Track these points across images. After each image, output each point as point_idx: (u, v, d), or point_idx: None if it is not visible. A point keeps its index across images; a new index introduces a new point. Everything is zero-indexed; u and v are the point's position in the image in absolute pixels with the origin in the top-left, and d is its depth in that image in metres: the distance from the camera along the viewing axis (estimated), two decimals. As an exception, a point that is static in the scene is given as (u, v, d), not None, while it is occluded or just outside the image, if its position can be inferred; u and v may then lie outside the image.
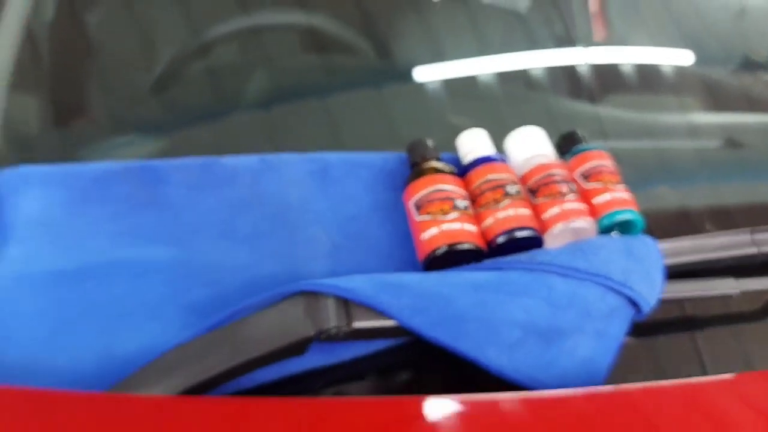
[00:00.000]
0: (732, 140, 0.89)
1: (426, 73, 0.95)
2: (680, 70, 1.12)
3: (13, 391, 0.41)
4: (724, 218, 0.65)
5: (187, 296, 0.49)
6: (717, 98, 1.06)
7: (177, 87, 0.92)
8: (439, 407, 0.42)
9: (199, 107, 0.90)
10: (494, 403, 0.43)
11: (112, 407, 0.40)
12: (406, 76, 0.95)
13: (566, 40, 1.51)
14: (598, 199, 0.55)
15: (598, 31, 1.90)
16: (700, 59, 1.09)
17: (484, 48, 1.07)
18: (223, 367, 0.44)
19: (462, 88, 0.97)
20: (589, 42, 1.60)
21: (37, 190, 0.52)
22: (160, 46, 0.93)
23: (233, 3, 1.07)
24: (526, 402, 0.44)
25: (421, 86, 0.96)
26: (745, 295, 0.57)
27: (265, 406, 0.41)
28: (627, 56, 1.21)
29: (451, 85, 0.96)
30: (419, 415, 0.41)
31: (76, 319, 0.47)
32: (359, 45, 1.05)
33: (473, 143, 0.57)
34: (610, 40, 1.64)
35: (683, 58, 1.12)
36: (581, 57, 1.22)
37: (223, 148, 0.61)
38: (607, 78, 1.13)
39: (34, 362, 0.46)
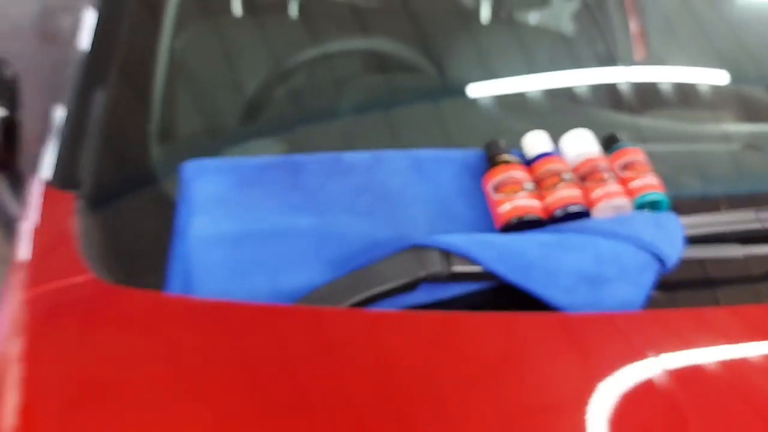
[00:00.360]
0: (751, 144, 1.05)
1: (484, 89, 1.13)
2: (715, 88, 1.27)
3: (228, 304, 0.59)
4: (737, 203, 0.81)
5: (325, 253, 0.67)
6: (748, 111, 1.21)
7: (267, 106, 1.12)
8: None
9: (287, 121, 1.09)
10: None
11: (292, 316, 0.58)
12: (464, 92, 1.12)
13: (608, 59, 1.71)
14: (632, 184, 0.72)
15: (639, 51, 2.09)
16: (736, 78, 1.25)
17: (534, 66, 1.25)
18: (360, 297, 0.61)
19: (518, 102, 1.14)
20: (629, 61, 1.79)
21: (212, 176, 0.71)
22: (248, 73, 1.13)
23: (310, 34, 1.27)
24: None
25: (477, 101, 1.14)
26: (754, 261, 0.73)
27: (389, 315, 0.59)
28: (665, 75, 1.38)
29: (508, 99, 1.13)
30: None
31: (251, 267, 0.65)
32: (422, 65, 1.24)
33: (536, 141, 0.74)
34: (650, 60, 1.83)
35: (718, 76, 1.28)
36: (623, 75, 1.40)
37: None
38: (646, 94, 1.29)
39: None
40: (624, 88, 1.33)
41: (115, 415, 0.53)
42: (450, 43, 1.30)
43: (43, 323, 0.59)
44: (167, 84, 0.92)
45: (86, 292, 0.61)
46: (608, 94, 1.30)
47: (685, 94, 1.32)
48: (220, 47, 1.17)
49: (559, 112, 1.15)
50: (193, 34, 1.13)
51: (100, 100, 0.83)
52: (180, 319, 0.60)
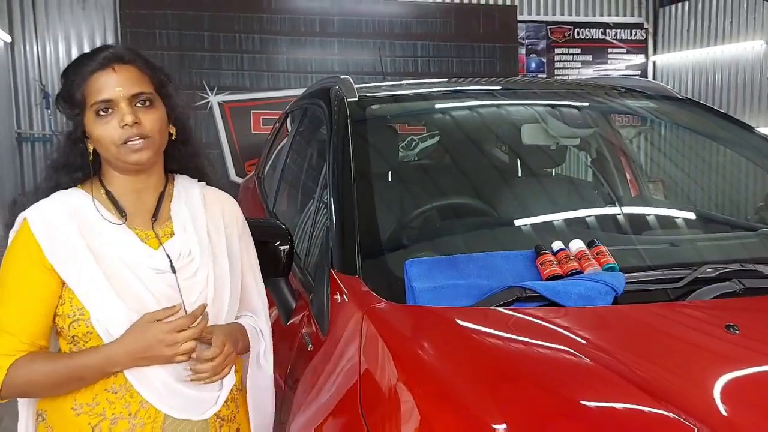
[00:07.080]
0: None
1: (526, 221, 2.13)
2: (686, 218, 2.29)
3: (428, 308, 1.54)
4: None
5: (483, 288, 1.62)
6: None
7: (421, 222, 2.14)
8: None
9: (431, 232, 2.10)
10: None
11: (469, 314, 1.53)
12: (513, 224, 2.12)
13: (610, 198, 2.88)
14: (600, 260, 1.67)
15: (633, 191, 3.33)
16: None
17: (557, 204, 2.28)
18: (499, 303, 1.56)
19: (547, 229, 2.12)
20: (626, 200, 2.99)
21: (421, 266, 1.67)
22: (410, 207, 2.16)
23: (433, 193, 2.33)
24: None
25: (521, 227, 2.12)
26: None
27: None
28: (650, 210, 2.46)
29: (541, 227, 2.11)
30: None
31: (446, 298, 1.60)
32: (490, 212, 2.25)
33: (557, 244, 1.70)
34: (640, 200, 3.03)
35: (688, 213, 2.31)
36: (620, 209, 2.46)
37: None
38: (636, 222, 2.30)
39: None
40: (621, 218, 2.34)
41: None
42: (504, 198, 2.34)
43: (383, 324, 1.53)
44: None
45: (390, 307, 1.57)
46: (610, 221, 2.29)
47: (664, 222, 2.32)
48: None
49: (575, 233, 2.12)
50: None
51: (351, 224, 1.83)
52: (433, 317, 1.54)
